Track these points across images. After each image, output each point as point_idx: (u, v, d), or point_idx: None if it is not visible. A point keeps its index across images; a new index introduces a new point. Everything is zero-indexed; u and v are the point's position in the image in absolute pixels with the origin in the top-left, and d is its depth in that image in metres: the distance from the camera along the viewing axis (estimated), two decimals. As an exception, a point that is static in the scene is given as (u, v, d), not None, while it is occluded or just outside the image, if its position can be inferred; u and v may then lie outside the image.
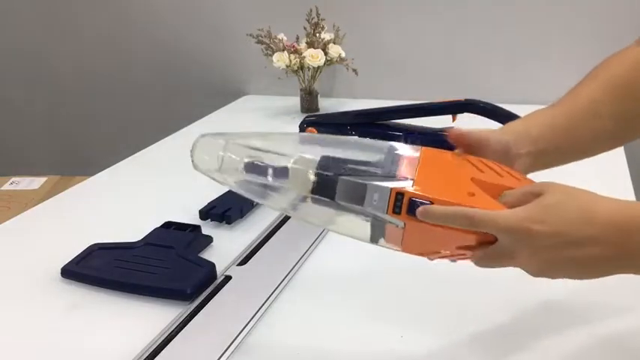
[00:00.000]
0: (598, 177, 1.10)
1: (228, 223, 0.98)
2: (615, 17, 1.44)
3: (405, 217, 0.53)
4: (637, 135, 0.68)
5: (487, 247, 0.52)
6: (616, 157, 1.18)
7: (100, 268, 0.84)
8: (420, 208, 0.52)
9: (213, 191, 1.03)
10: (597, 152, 0.70)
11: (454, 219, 0.51)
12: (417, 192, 0.53)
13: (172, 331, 0.72)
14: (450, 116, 1.24)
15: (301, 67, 1.58)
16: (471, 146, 0.62)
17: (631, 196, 1.01)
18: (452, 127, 1.26)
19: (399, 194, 0.53)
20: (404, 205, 0.53)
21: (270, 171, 0.58)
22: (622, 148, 1.23)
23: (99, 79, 2.03)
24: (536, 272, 0.53)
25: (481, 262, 0.54)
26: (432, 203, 0.53)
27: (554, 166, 0.67)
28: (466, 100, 1.20)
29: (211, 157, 0.60)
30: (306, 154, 0.58)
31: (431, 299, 0.76)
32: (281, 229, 0.97)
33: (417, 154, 0.59)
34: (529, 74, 1.56)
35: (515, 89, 1.53)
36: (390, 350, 0.68)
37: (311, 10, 1.55)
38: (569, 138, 0.66)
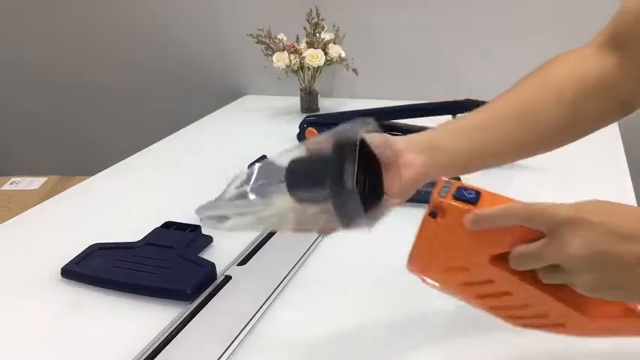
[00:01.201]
0: (598, 177, 1.11)
1: (228, 223, 0.98)
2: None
3: (447, 203, 0.49)
4: (565, 143, 0.65)
5: (527, 243, 0.48)
6: (616, 157, 1.18)
7: (100, 268, 0.84)
8: (474, 213, 0.48)
9: (213, 191, 1.03)
10: (506, 160, 0.68)
11: (510, 216, 0.48)
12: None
13: (172, 331, 0.72)
14: (449, 116, 1.24)
15: (301, 67, 1.58)
16: None
17: (631, 196, 1.01)
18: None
19: (448, 183, 0.51)
20: (450, 190, 0.49)
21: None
22: (622, 148, 1.23)
23: (99, 80, 2.03)
24: (585, 280, 0.47)
25: (522, 259, 0.49)
26: (479, 194, 0.49)
27: (465, 171, 0.66)
28: (466, 100, 1.20)
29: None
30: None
31: (431, 299, 0.76)
32: (281, 229, 0.97)
33: None
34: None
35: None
36: (390, 350, 0.68)
37: (311, 10, 1.55)
38: (471, 142, 0.63)
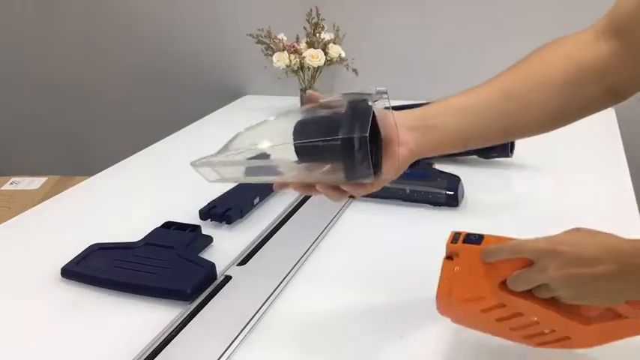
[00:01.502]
0: (598, 177, 1.11)
1: (228, 223, 0.98)
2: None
3: (460, 247, 0.62)
4: (556, 127, 0.67)
5: (520, 269, 0.59)
6: (616, 157, 1.18)
7: (100, 268, 0.84)
8: (486, 249, 0.60)
9: (213, 191, 1.04)
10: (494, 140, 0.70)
11: (506, 252, 0.59)
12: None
13: (172, 331, 0.72)
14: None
15: (301, 67, 1.58)
16: None
17: (631, 196, 1.01)
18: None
19: (457, 234, 0.63)
20: (460, 238, 0.62)
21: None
22: (622, 148, 1.23)
23: (99, 80, 2.03)
24: (566, 293, 0.58)
25: (516, 281, 0.59)
26: (482, 237, 0.62)
27: (452, 149, 0.68)
28: (466, 100, 1.20)
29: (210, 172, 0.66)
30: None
31: (433, 299, 0.76)
32: (281, 229, 0.97)
33: None
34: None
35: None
36: (390, 350, 0.68)
37: (311, 10, 1.55)
38: (462, 120, 0.65)
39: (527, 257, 0.58)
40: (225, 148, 0.65)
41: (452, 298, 0.62)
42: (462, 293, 0.61)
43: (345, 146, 0.57)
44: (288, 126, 0.62)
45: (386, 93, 0.61)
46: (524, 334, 0.61)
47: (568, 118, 0.67)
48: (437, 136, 0.65)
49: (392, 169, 0.63)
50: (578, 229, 0.60)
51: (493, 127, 0.66)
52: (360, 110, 0.59)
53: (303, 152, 0.60)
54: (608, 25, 0.65)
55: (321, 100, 0.64)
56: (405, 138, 0.63)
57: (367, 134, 0.57)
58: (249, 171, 0.66)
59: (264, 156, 0.64)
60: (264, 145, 0.64)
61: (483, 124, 0.66)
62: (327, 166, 0.60)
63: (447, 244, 0.63)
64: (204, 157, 0.65)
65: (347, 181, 0.60)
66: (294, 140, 0.60)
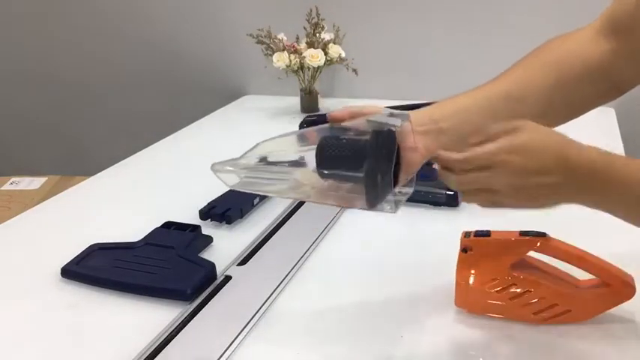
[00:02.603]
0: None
1: (228, 223, 0.98)
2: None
3: (473, 240, 0.70)
4: (559, 123, 0.68)
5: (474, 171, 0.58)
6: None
7: (100, 268, 0.84)
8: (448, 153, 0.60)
9: (213, 191, 1.04)
10: None
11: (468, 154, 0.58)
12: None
13: (172, 331, 0.72)
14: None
15: (301, 67, 1.58)
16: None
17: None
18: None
19: (468, 232, 0.71)
20: (472, 233, 0.70)
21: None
22: (622, 148, 1.23)
23: (99, 80, 2.03)
24: (508, 200, 0.58)
25: (465, 181, 0.59)
26: (490, 231, 0.69)
27: (460, 151, 0.67)
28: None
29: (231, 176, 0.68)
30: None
31: (432, 299, 0.76)
32: (281, 229, 0.97)
33: None
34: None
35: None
36: (390, 350, 0.68)
37: (311, 10, 1.55)
38: (471, 122, 0.66)
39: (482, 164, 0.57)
40: (245, 156, 0.67)
41: (469, 286, 0.70)
42: (479, 278, 0.70)
43: (369, 181, 0.59)
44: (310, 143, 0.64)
45: (408, 117, 0.63)
46: (533, 310, 0.69)
47: (572, 114, 0.69)
48: (447, 140, 0.66)
49: (404, 177, 0.65)
50: (535, 129, 0.58)
51: None
52: (384, 142, 0.61)
53: (327, 175, 0.62)
54: (608, 24, 0.66)
55: (345, 124, 0.65)
56: (417, 144, 0.65)
57: (392, 175, 0.60)
58: (268, 179, 0.68)
59: (283, 164, 0.67)
60: (288, 156, 0.67)
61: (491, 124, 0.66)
62: (349, 186, 0.63)
63: (461, 239, 0.70)
64: (226, 161, 0.67)
65: (367, 208, 0.61)
66: (317, 159, 0.62)
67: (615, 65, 0.65)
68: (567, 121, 0.69)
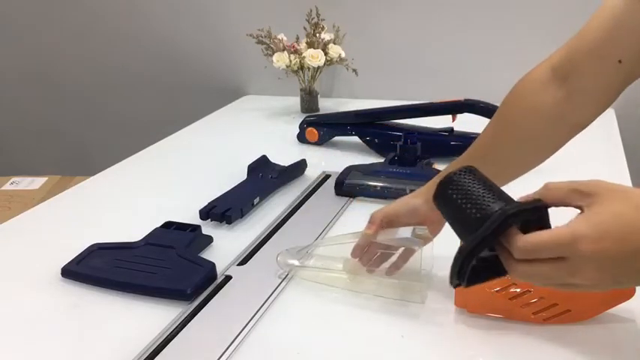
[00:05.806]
0: (597, 177, 1.11)
1: (228, 223, 0.98)
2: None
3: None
4: (516, 176, 0.73)
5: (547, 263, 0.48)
6: (616, 157, 1.18)
7: (100, 268, 0.84)
8: (521, 246, 0.49)
9: (213, 191, 1.04)
10: None
11: (546, 250, 0.48)
12: None
13: (172, 331, 0.72)
14: (450, 116, 1.24)
15: (301, 67, 1.58)
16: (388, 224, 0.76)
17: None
18: (451, 128, 1.26)
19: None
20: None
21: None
22: (622, 147, 1.23)
23: (99, 80, 2.03)
24: (596, 289, 0.49)
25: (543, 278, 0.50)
26: None
27: None
28: (466, 100, 1.20)
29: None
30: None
31: (432, 299, 0.76)
32: (281, 228, 0.97)
33: None
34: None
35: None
36: (390, 350, 0.68)
37: (311, 10, 1.56)
38: None
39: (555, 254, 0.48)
40: (305, 252, 0.84)
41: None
42: None
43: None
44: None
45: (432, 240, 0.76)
46: (533, 309, 0.69)
47: (544, 158, 0.73)
48: None
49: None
50: (611, 195, 0.49)
51: None
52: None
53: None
54: (552, 73, 0.69)
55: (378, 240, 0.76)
56: (433, 219, 0.73)
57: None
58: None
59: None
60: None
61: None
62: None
63: None
64: (289, 252, 0.84)
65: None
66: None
67: (568, 109, 0.68)
68: (543, 161, 0.73)
